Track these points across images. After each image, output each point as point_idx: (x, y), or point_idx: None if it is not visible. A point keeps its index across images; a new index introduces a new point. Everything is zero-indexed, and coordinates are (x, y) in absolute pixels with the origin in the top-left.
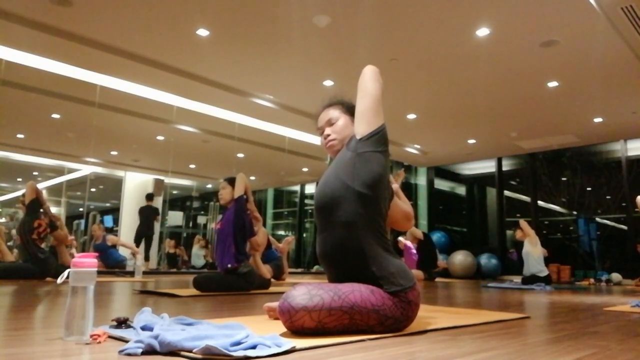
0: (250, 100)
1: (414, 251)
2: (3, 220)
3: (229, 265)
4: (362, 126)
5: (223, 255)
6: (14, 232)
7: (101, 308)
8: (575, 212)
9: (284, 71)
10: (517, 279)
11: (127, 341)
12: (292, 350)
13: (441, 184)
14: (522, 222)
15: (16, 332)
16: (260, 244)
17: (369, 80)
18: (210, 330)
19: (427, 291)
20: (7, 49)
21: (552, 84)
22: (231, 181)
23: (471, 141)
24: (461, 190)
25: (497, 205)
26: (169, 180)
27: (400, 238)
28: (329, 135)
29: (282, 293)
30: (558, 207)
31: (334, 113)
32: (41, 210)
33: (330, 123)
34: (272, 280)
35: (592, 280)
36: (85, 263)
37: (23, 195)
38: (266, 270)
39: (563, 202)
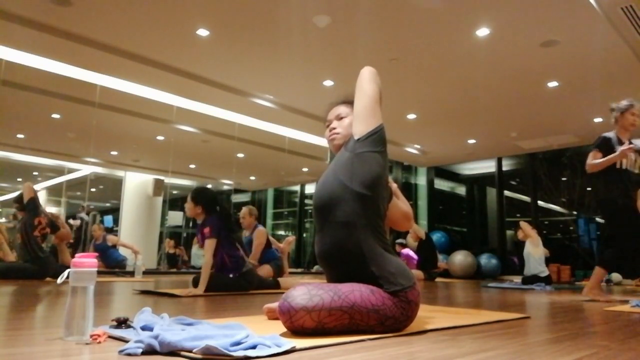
0: (250, 100)
1: (414, 256)
2: (3, 220)
3: (231, 275)
4: (360, 126)
5: (222, 269)
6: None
7: (101, 308)
8: (575, 212)
9: (284, 71)
10: (517, 279)
11: (127, 341)
12: (292, 350)
13: (441, 184)
14: (523, 224)
15: (16, 332)
16: (260, 244)
17: (365, 81)
18: (210, 330)
19: (427, 291)
20: (7, 49)
21: (552, 84)
22: (195, 197)
23: (471, 141)
24: (461, 190)
25: (497, 205)
26: (169, 180)
27: (401, 241)
28: (334, 128)
29: (282, 293)
30: (558, 207)
31: (345, 110)
32: (40, 208)
33: (339, 117)
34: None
35: None
36: (85, 263)
37: (16, 200)
38: (266, 271)
39: (563, 202)
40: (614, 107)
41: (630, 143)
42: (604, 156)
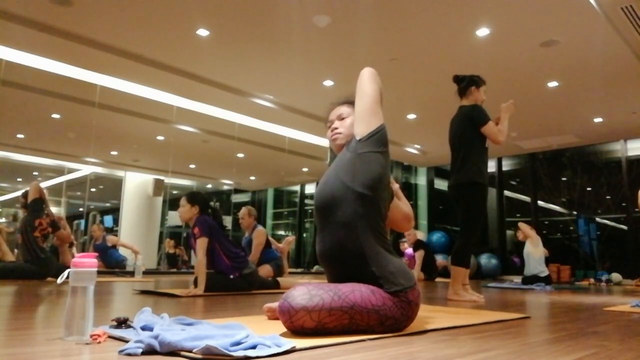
0: (250, 100)
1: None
2: (3, 220)
3: (231, 277)
4: (361, 127)
5: (223, 270)
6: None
7: (101, 308)
8: (575, 212)
9: (284, 71)
10: (517, 279)
11: (127, 341)
12: (292, 350)
13: (441, 184)
14: (522, 225)
15: (16, 332)
16: (260, 244)
17: (366, 81)
18: (210, 330)
19: (427, 291)
20: (7, 49)
21: (552, 84)
22: (190, 198)
23: None
24: None
25: (497, 205)
26: (169, 180)
27: (404, 242)
28: (336, 128)
29: (282, 293)
30: (558, 207)
31: (347, 110)
32: (44, 208)
33: (340, 118)
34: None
35: (592, 280)
36: (85, 263)
37: (23, 195)
38: (266, 271)
39: (563, 202)
40: (474, 78)
41: None
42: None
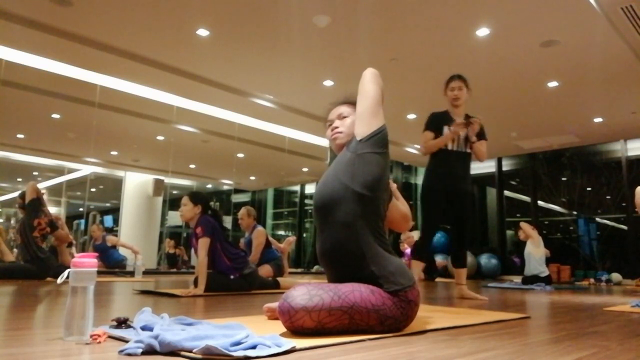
0: (250, 100)
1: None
2: (1, 220)
3: (232, 277)
4: (362, 127)
5: (223, 270)
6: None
7: (101, 308)
8: (575, 212)
9: (284, 71)
10: (517, 279)
11: (127, 341)
12: (292, 350)
13: None
14: (523, 224)
15: (16, 332)
16: (260, 244)
17: (368, 82)
18: (210, 330)
19: (427, 291)
20: (7, 49)
21: (552, 84)
22: (193, 197)
23: None
24: None
25: (497, 205)
26: (169, 180)
27: (404, 242)
28: (336, 127)
29: (282, 293)
30: (558, 207)
31: (347, 110)
32: (42, 208)
33: (340, 117)
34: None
35: (592, 280)
36: (85, 263)
37: (20, 196)
38: (266, 271)
39: (563, 202)
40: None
41: (468, 117)
42: (437, 136)
